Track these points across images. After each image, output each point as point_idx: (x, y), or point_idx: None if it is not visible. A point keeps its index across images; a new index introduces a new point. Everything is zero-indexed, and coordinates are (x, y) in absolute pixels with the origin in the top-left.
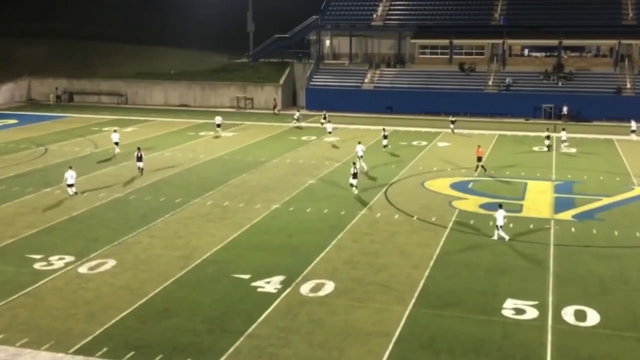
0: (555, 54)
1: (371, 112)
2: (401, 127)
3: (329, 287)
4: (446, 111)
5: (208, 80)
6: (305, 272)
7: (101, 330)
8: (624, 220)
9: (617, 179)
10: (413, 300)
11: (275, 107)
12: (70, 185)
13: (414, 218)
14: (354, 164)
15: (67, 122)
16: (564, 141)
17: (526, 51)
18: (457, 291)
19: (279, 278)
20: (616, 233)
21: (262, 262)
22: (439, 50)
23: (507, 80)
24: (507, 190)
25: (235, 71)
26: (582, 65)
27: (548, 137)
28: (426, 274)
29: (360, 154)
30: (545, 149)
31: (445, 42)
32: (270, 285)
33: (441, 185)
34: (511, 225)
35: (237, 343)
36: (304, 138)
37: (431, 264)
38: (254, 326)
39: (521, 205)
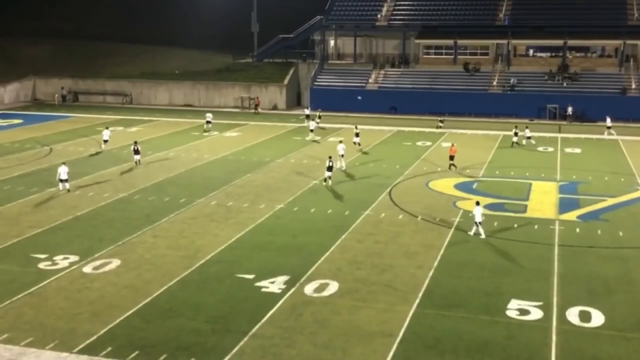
0: (560, 54)
1: (375, 112)
2: (405, 128)
3: (333, 287)
4: (450, 111)
5: (212, 80)
6: (310, 272)
7: (105, 329)
8: (629, 221)
9: (622, 179)
10: (417, 301)
11: (257, 105)
12: (63, 181)
13: (419, 218)
14: (330, 157)
15: (72, 122)
16: (529, 138)
17: (531, 51)
18: (462, 291)
19: (283, 278)
20: (621, 234)
21: (266, 262)
22: (444, 51)
23: (511, 81)
24: (512, 190)
25: (240, 71)
26: (587, 66)
27: (516, 134)
28: (430, 274)
29: (341, 152)
30: (511, 144)
31: (450, 42)
32: (274, 285)
33: (445, 185)
34: (515, 225)
35: (241, 343)
36: (308, 138)
37: (435, 264)
38: (258, 326)
39: (525, 206)
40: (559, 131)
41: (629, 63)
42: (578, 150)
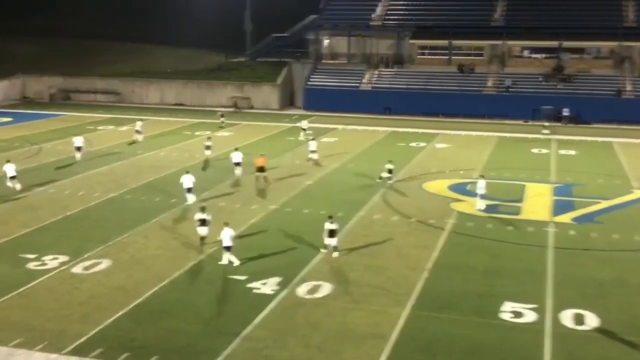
0: (555, 55)
1: (369, 112)
2: (399, 128)
3: (326, 288)
4: (445, 112)
5: (204, 79)
6: (302, 273)
7: (95, 331)
8: (624, 223)
9: (617, 181)
10: (410, 303)
11: (235, 105)
12: (13, 178)
13: (412, 220)
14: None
15: (63, 120)
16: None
17: (526, 52)
18: (455, 294)
19: (275, 279)
20: (615, 236)
21: (258, 264)
22: (438, 51)
23: (506, 82)
24: (506, 192)
25: (232, 70)
26: (582, 67)
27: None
28: (424, 276)
29: (312, 148)
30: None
31: (445, 42)
32: (266, 286)
33: (439, 187)
34: (509, 227)
35: (233, 345)
36: (302, 139)
37: (429, 266)
38: (249, 328)
39: (520, 208)
40: (554, 132)
41: (624, 65)
42: (573, 152)
